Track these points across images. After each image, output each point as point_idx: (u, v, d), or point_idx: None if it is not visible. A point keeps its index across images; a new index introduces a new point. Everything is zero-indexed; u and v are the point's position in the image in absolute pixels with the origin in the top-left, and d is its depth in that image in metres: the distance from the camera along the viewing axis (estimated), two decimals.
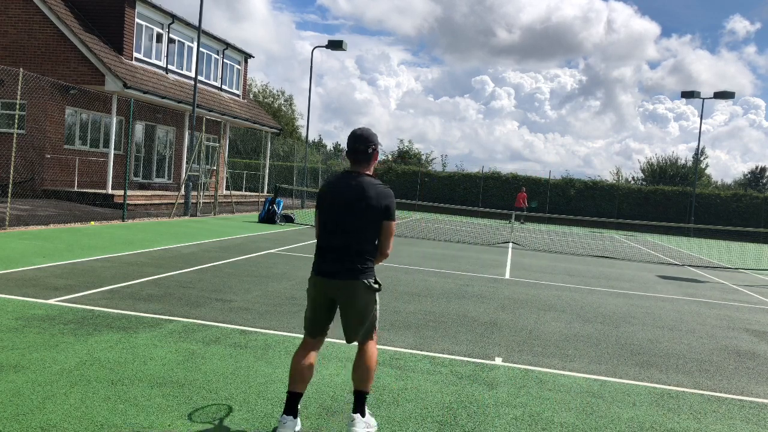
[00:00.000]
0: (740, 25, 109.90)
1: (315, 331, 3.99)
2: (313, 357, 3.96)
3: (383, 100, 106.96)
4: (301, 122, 61.63)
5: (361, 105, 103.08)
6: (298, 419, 3.86)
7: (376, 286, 3.90)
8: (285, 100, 61.46)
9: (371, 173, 3.97)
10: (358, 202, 3.80)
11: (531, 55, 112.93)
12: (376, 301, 3.95)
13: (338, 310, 3.98)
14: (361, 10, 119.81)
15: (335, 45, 30.77)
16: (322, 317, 3.97)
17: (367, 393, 3.96)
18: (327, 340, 6.17)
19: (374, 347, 4.02)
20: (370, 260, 3.88)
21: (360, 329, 3.94)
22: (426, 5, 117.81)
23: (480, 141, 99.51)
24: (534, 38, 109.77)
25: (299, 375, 3.89)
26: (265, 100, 58.54)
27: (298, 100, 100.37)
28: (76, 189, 20.54)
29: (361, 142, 3.91)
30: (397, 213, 34.58)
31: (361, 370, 3.94)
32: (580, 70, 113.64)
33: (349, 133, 3.98)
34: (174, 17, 24.93)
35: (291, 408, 3.83)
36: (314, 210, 4.06)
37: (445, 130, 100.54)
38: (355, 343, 4.02)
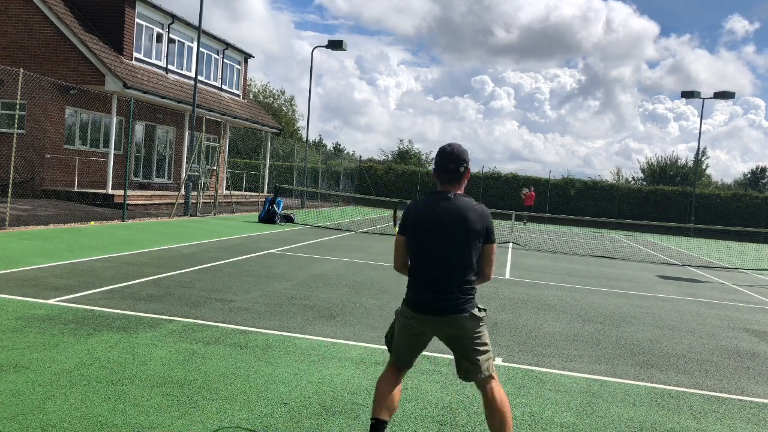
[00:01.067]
0: (739, 24, 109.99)
1: (403, 364, 3.75)
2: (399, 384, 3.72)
3: (383, 99, 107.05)
4: (301, 123, 61.69)
5: (361, 105, 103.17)
6: None
7: (483, 314, 3.55)
8: (285, 101, 61.49)
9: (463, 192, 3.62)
10: (461, 224, 3.44)
11: (530, 55, 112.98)
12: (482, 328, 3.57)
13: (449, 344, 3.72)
14: (359, 9, 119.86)
15: (335, 45, 30.78)
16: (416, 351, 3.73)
17: None
18: (327, 340, 6.19)
19: (499, 386, 3.58)
20: (473, 288, 3.55)
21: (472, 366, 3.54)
22: (424, 5, 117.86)
23: (479, 141, 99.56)
24: (533, 38, 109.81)
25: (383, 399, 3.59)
26: (265, 100, 58.53)
27: (297, 100, 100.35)
28: (76, 189, 20.54)
29: (453, 161, 3.53)
30: (397, 213, 34.57)
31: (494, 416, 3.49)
32: (579, 69, 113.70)
33: (438, 150, 3.63)
34: (174, 17, 24.93)
35: None
36: (397, 233, 3.68)
37: (445, 130, 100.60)
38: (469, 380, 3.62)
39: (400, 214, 4.31)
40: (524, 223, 33.66)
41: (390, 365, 3.74)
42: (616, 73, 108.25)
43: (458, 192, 3.55)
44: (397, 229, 3.90)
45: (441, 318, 3.50)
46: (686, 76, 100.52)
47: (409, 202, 4.13)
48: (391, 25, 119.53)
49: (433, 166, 3.65)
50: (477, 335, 3.53)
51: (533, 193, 34.30)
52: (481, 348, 3.54)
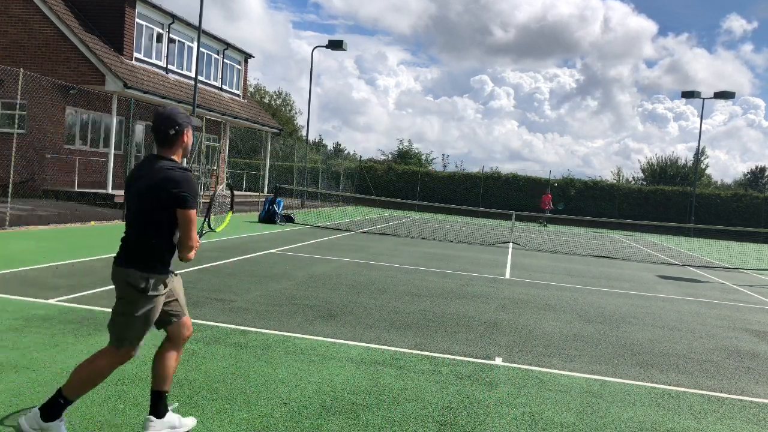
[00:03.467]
0: (737, 23, 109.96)
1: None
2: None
3: (382, 99, 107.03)
4: (300, 122, 61.68)
5: (360, 104, 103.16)
6: None
7: (143, 285, 3.47)
8: (282, 100, 61.46)
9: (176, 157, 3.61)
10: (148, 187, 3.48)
11: (528, 54, 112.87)
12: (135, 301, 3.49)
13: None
14: (355, 8, 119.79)
15: (335, 45, 30.78)
16: None
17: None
18: (327, 340, 6.19)
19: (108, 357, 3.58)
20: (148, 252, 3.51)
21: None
22: (420, 3, 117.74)
23: (479, 141, 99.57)
24: (530, 37, 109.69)
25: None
26: (262, 99, 58.52)
27: (296, 100, 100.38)
28: (76, 189, 20.53)
29: (163, 122, 3.55)
30: (398, 213, 34.48)
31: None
32: (578, 69, 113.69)
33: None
34: (174, 17, 24.93)
35: None
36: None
37: (444, 130, 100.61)
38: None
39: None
40: (544, 225, 33.67)
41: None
42: (614, 72, 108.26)
43: (170, 155, 3.57)
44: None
45: (119, 268, 3.54)
46: (684, 76, 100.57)
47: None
48: (387, 23, 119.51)
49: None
50: (120, 294, 3.54)
51: (549, 196, 34.15)
52: (119, 312, 3.54)
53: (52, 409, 3.47)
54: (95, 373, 3.54)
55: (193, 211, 3.49)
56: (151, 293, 3.47)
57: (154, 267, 3.50)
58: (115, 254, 3.61)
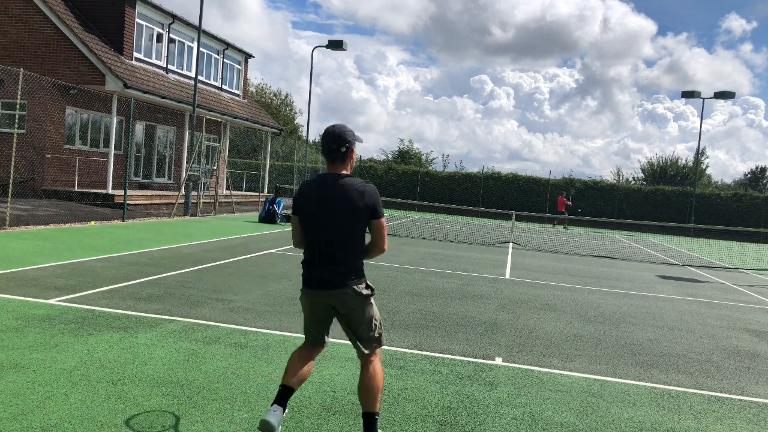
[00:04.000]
0: (736, 23, 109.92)
1: (312, 341, 3.92)
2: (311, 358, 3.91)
3: (381, 99, 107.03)
4: (299, 120, 61.66)
5: (359, 104, 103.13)
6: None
7: (368, 290, 3.73)
8: (281, 100, 61.43)
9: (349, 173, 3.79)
10: (344, 204, 3.64)
11: (526, 54, 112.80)
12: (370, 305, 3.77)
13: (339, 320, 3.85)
14: (353, 7, 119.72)
15: (336, 45, 30.78)
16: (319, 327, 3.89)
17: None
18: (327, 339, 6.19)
19: (378, 362, 3.82)
20: (359, 263, 3.74)
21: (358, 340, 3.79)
22: (419, 3, 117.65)
23: (478, 140, 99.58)
24: (529, 36, 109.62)
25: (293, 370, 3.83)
26: (263, 99, 58.53)
27: (295, 99, 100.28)
28: (76, 189, 20.54)
29: (335, 141, 3.70)
30: (397, 213, 34.52)
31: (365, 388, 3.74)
32: (577, 69, 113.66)
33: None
34: (174, 17, 24.93)
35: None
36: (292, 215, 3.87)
37: (443, 130, 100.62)
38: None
39: (281, 201, 4.53)
40: (564, 227, 33.44)
41: (304, 343, 3.95)
42: (613, 72, 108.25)
43: (344, 172, 3.74)
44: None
45: (327, 291, 3.69)
46: (683, 75, 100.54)
47: (284, 186, 4.41)
48: (385, 23, 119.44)
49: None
50: (364, 311, 3.74)
51: (563, 198, 33.14)
52: (371, 325, 3.77)
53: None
54: (381, 376, 3.77)
55: (385, 218, 3.77)
56: (372, 293, 3.78)
57: (362, 272, 3.77)
58: (306, 281, 3.75)
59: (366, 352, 3.77)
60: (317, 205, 3.67)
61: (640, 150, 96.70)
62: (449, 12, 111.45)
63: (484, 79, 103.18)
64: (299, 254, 13.67)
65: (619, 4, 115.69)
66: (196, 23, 22.87)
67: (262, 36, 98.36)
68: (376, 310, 3.82)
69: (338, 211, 3.63)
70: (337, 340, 6.23)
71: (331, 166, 3.74)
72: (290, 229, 20.55)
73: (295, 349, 3.96)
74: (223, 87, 29.40)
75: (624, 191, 40.85)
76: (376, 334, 3.80)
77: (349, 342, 6.14)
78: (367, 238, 3.81)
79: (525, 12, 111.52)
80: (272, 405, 3.72)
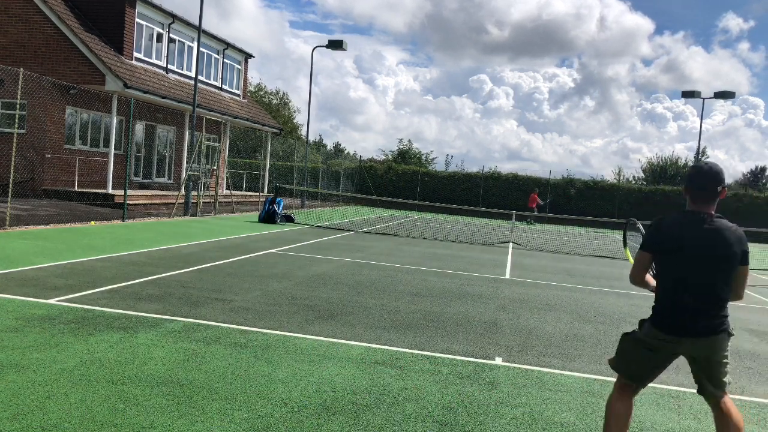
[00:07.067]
0: (734, 22, 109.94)
1: (639, 383, 3.85)
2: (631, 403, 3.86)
3: (380, 99, 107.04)
4: (298, 120, 61.67)
5: (358, 104, 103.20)
6: None
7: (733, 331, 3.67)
8: (280, 99, 61.44)
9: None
10: (724, 248, 3.51)
11: (524, 53, 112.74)
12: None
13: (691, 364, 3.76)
14: (349, 5, 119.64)
15: (336, 45, 30.76)
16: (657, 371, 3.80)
17: None
18: (327, 339, 6.19)
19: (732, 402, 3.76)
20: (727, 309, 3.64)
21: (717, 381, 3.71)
22: (415, 1, 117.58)
23: (477, 140, 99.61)
24: (526, 35, 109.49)
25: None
26: (262, 99, 58.53)
27: (293, 99, 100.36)
28: (76, 189, 20.54)
29: (715, 180, 3.55)
30: (398, 213, 34.49)
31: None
32: (575, 68, 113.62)
33: (691, 168, 3.66)
34: (174, 17, 24.94)
35: None
36: (637, 249, 3.78)
37: (442, 129, 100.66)
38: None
39: (630, 233, 4.51)
40: (530, 223, 33.66)
41: (624, 386, 3.85)
42: (611, 71, 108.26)
43: (712, 212, 3.60)
44: (625, 245, 4.33)
45: (700, 339, 3.58)
46: (681, 74, 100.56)
47: (636, 221, 4.36)
48: (382, 21, 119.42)
49: (686, 183, 3.66)
50: (726, 355, 3.68)
51: (535, 195, 34.26)
52: (726, 367, 3.71)
53: None
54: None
55: (748, 266, 3.61)
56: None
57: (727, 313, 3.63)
58: (671, 326, 3.58)
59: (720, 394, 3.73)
60: (694, 250, 3.52)
61: (639, 150, 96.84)
62: (444, 10, 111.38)
63: (483, 78, 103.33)
64: (299, 254, 13.60)
65: (616, 3, 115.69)
66: (196, 23, 22.87)
67: (261, 36, 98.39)
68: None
69: (718, 257, 3.51)
70: (338, 340, 6.24)
71: (702, 204, 3.57)
72: (290, 228, 20.46)
73: (614, 399, 3.85)
74: (223, 87, 29.40)
75: (624, 191, 40.84)
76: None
77: (349, 342, 6.15)
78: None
79: (521, 10, 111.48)
80: None
